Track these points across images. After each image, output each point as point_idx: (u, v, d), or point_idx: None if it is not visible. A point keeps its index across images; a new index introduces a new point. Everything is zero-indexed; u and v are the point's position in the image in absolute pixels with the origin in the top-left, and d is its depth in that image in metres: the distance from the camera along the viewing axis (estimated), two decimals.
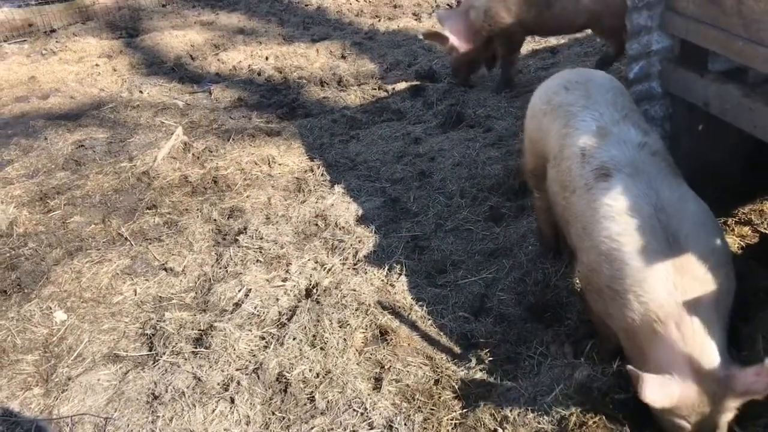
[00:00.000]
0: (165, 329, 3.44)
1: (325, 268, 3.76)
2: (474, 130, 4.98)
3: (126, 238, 4.32)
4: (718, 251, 2.43)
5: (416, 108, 5.58)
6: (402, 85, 6.00)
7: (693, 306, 2.29)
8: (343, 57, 6.87)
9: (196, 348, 3.31)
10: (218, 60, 7.14)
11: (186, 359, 3.25)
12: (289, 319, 3.38)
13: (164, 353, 3.31)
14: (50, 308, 3.74)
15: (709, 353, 2.25)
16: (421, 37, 5.91)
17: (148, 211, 4.58)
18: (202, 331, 3.41)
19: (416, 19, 7.48)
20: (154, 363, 3.29)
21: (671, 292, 2.31)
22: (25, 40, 8.78)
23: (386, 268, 3.69)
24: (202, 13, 8.62)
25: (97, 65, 7.41)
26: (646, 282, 2.36)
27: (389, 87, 6.00)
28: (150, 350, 3.39)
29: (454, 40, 5.46)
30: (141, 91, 6.53)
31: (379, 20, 7.69)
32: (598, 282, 2.56)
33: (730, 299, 2.43)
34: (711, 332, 2.28)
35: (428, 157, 4.76)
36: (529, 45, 6.38)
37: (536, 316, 3.26)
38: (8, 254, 4.27)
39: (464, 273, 3.61)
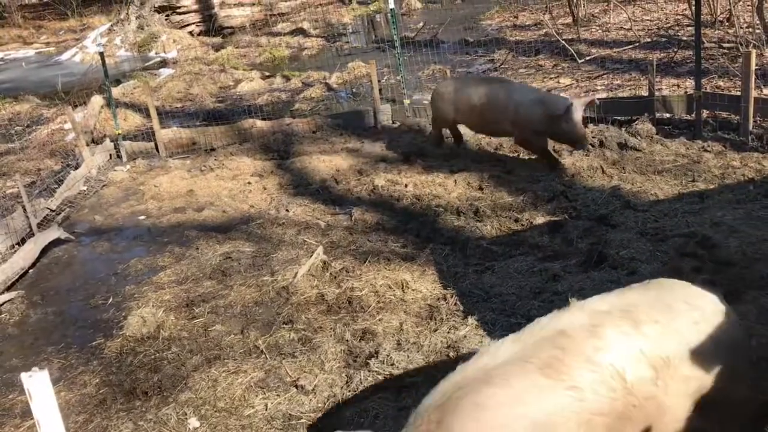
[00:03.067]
0: None
1: None
2: (617, 271, 4.81)
3: (262, 351, 4.43)
4: None
5: (555, 244, 5.50)
6: (540, 220, 5.97)
7: None
8: (481, 188, 6.97)
9: None
10: (360, 185, 7.46)
11: None
12: None
13: None
14: (185, 414, 3.85)
15: None
16: None
17: (284, 325, 4.71)
18: None
19: (556, 156, 7.52)
20: None
21: None
22: (187, 157, 9.64)
23: None
24: (348, 141, 9.14)
25: (249, 183, 7.96)
26: None
27: (526, 221, 5.99)
28: None
29: None
30: (287, 210, 6.90)
31: (518, 155, 7.81)
32: None
33: None
34: None
35: (566, 297, 4.62)
36: (676, 188, 6.22)
37: None
38: (153, 356, 4.50)
39: None
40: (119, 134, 9.84)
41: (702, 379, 2.44)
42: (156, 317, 4.96)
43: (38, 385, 1.84)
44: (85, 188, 8.67)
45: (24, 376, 1.88)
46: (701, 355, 2.43)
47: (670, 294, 2.66)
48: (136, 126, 11.10)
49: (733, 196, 5.85)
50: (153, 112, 9.76)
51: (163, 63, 16.76)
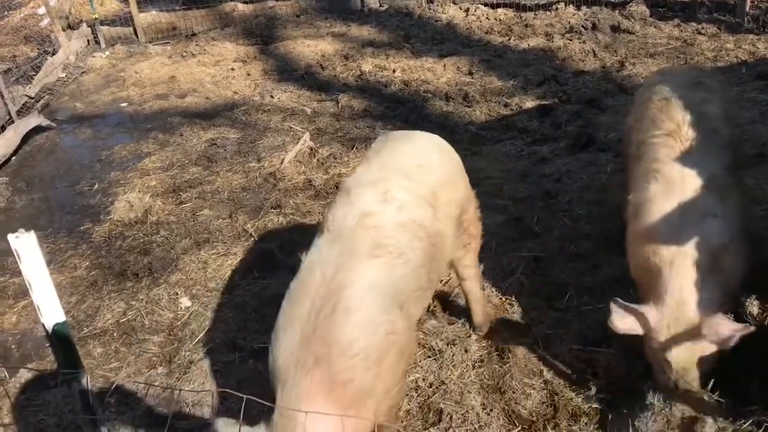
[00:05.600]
0: None
1: (442, 280, 3.71)
2: (605, 154, 4.80)
3: (251, 234, 4.45)
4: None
5: (544, 127, 5.45)
6: (530, 104, 5.90)
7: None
8: (471, 73, 6.83)
9: None
10: (347, 70, 7.29)
11: None
12: None
13: None
14: (177, 294, 3.91)
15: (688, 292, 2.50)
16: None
17: (272, 210, 4.71)
18: None
19: (548, 39, 7.34)
20: None
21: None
22: (168, 42, 9.34)
23: (505, 287, 3.60)
24: (334, 25, 8.85)
25: (232, 69, 7.75)
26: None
27: (516, 105, 5.91)
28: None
29: None
30: (272, 96, 6.76)
31: (510, 39, 7.62)
32: None
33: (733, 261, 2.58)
34: (699, 279, 2.51)
35: (554, 178, 4.63)
36: None
37: None
38: (142, 240, 4.52)
39: (588, 299, 3.47)
40: (96, 19, 9.47)
41: (454, 201, 2.79)
42: (143, 202, 4.94)
43: (26, 246, 1.81)
44: (63, 75, 8.42)
45: (11, 237, 1.84)
46: (449, 182, 2.81)
47: (412, 142, 2.89)
48: (114, 11, 10.67)
49: (725, 78, 5.76)
50: None
51: None
